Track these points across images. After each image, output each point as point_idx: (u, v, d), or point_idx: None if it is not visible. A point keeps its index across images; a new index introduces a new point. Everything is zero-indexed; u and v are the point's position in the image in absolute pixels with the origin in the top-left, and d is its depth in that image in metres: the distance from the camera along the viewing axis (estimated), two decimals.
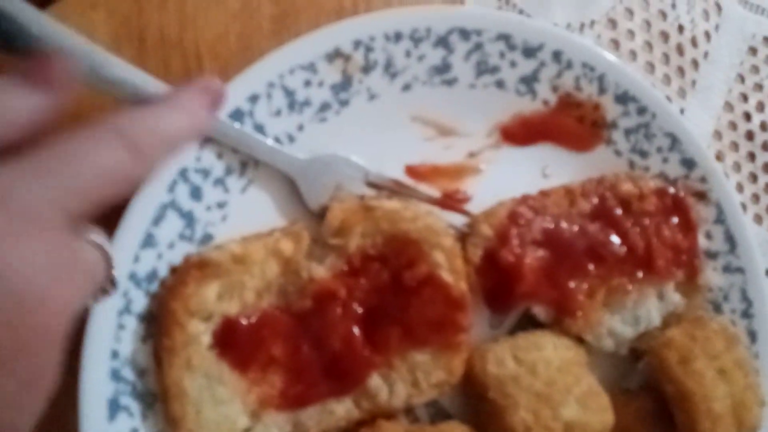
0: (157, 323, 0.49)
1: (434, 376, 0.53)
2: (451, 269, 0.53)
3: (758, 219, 0.74)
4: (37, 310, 0.30)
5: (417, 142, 0.58)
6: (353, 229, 0.52)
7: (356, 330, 0.51)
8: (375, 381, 0.52)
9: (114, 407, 0.47)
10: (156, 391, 0.49)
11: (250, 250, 0.50)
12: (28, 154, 0.33)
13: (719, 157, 0.73)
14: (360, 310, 0.52)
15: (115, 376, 0.47)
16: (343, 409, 0.51)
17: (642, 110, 0.62)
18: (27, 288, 0.30)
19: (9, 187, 0.31)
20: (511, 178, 0.61)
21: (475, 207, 0.60)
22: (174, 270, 0.50)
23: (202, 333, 0.49)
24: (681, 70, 0.72)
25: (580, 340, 0.59)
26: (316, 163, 0.54)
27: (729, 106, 0.74)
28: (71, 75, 0.36)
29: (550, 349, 0.57)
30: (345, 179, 0.55)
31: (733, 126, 0.74)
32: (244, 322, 0.50)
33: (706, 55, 0.73)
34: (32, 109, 0.34)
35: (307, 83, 0.53)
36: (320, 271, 0.51)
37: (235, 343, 0.50)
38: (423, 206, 0.56)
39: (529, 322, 0.59)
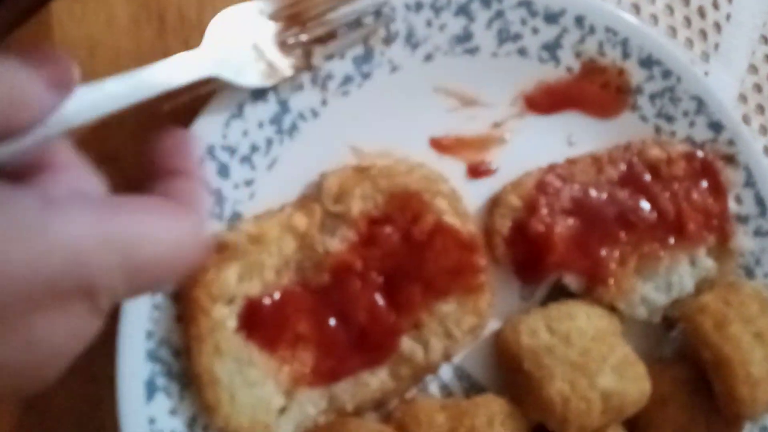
0: (183, 312, 0.48)
1: (465, 322, 0.53)
2: (455, 213, 0.53)
3: None
4: None
5: (440, 113, 0.57)
6: (352, 192, 0.51)
7: (379, 299, 0.51)
8: (407, 344, 0.52)
9: (151, 388, 0.47)
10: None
11: (265, 229, 0.49)
12: None
13: (745, 120, 0.72)
14: (378, 277, 0.51)
15: (152, 356, 0.47)
16: (377, 380, 0.51)
17: (667, 74, 0.61)
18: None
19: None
20: (536, 147, 0.60)
21: (501, 178, 0.59)
22: None
23: (227, 317, 0.48)
24: (703, 33, 0.71)
25: (612, 309, 0.58)
26: None
27: (753, 69, 0.73)
28: (74, 77, 0.34)
29: (583, 319, 0.56)
30: None
31: (758, 88, 0.73)
32: (267, 301, 0.50)
33: (728, 17, 0.72)
34: (44, 100, 0.32)
35: (329, 56, 0.52)
36: (335, 244, 0.51)
37: (260, 323, 0.49)
38: (414, 159, 0.55)
39: (561, 294, 0.59)
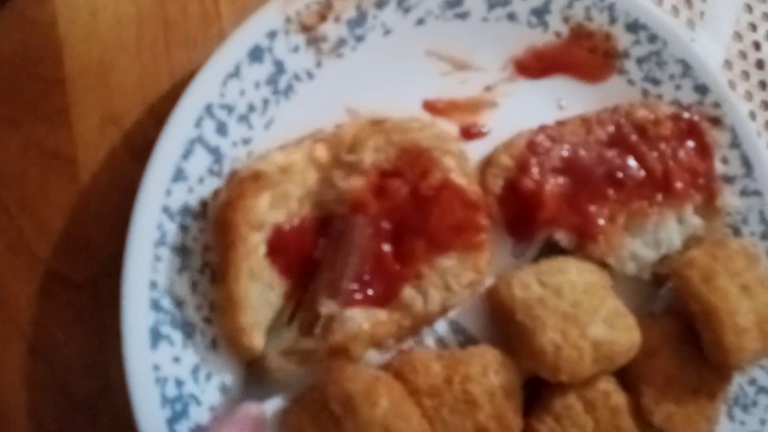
0: (217, 237, 0.50)
1: (464, 277, 0.54)
2: (462, 173, 0.55)
3: None
4: None
5: (433, 76, 0.59)
6: (366, 143, 0.53)
7: (386, 248, 0.53)
8: (408, 292, 0.53)
9: (155, 336, 0.48)
10: (194, 321, 0.50)
11: (293, 159, 0.51)
12: None
13: (731, 86, 0.73)
14: (386, 228, 0.53)
15: (155, 306, 0.49)
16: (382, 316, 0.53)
17: (653, 38, 0.63)
18: None
19: None
20: (527, 110, 0.61)
21: (493, 140, 0.61)
22: (226, 183, 0.51)
23: (259, 243, 0.50)
24: (689, 2, 0.73)
25: (602, 265, 0.60)
26: None
27: (738, 36, 0.74)
28: None
29: (574, 273, 0.58)
30: None
31: (743, 55, 0.74)
32: (287, 228, 0.51)
33: None
34: None
35: (323, 18, 0.54)
36: (356, 182, 0.52)
37: (284, 250, 0.51)
38: (426, 117, 0.57)
39: (551, 254, 0.60)
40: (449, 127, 0.59)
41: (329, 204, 0.53)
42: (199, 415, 0.50)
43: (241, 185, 0.50)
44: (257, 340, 0.50)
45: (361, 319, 0.52)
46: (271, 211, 0.50)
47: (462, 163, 0.55)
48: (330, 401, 0.49)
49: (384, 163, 0.53)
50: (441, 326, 0.58)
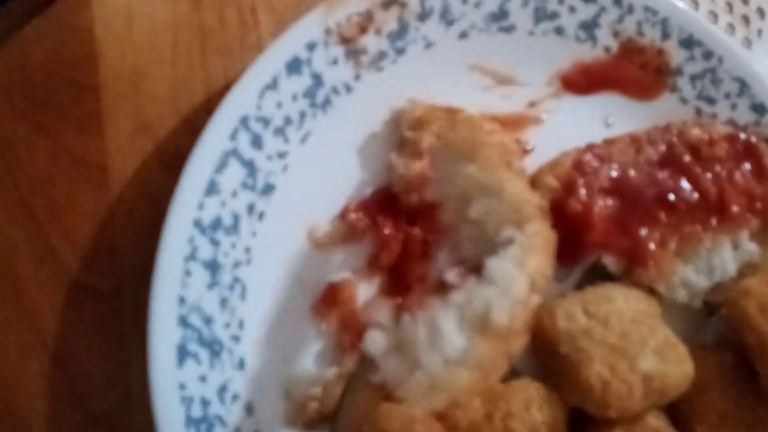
0: None
1: None
2: None
3: None
4: None
5: (475, 91, 0.57)
6: (429, 125, 0.51)
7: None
8: None
9: (182, 353, 0.47)
10: (222, 339, 0.48)
11: None
12: None
13: None
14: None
15: (183, 322, 0.47)
16: None
17: (708, 55, 0.60)
18: None
19: None
20: (572, 128, 0.59)
21: (537, 158, 0.58)
22: None
23: None
24: (746, 19, 0.70)
25: (651, 292, 0.57)
26: None
27: None
28: None
29: (621, 301, 0.55)
30: None
31: None
32: None
33: None
34: None
35: (364, 30, 0.52)
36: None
37: None
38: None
39: (595, 277, 0.57)
40: None
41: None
42: None
43: None
44: None
45: None
46: None
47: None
48: None
49: (440, 150, 0.51)
50: None
